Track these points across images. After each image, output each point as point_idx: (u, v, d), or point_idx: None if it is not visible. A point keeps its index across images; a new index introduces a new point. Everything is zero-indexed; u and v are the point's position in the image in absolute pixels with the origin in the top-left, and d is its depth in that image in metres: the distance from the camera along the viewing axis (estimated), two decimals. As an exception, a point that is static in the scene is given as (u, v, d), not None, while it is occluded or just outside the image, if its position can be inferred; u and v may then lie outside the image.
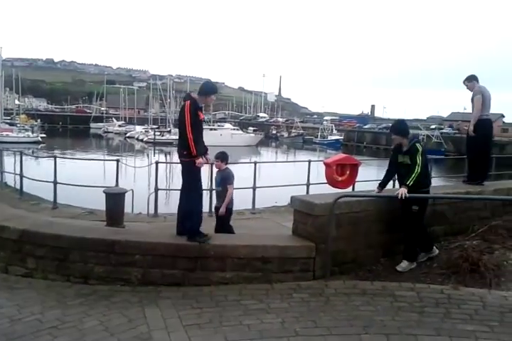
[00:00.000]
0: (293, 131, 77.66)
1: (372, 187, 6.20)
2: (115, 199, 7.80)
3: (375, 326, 4.00)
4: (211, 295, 4.86)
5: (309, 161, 10.99)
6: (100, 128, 79.43)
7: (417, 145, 5.54)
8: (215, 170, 7.09)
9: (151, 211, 9.40)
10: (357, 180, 7.21)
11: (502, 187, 7.46)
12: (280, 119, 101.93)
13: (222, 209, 6.15)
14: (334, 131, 69.76)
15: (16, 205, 9.37)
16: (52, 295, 5.02)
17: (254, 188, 9.95)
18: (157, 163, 9.66)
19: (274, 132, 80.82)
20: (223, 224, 6.36)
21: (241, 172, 11.13)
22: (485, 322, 4.04)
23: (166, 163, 27.23)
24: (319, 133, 69.13)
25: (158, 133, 58.37)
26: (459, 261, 5.29)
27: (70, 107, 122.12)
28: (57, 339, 3.93)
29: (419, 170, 5.36)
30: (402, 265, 5.55)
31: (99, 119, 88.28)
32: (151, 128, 63.10)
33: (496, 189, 7.19)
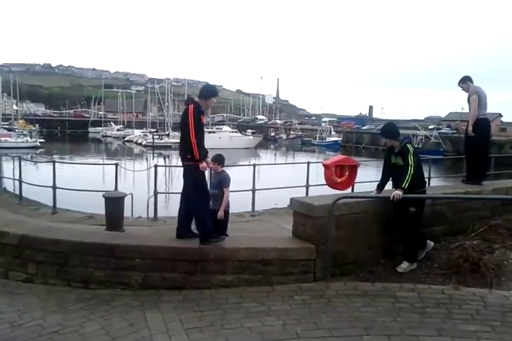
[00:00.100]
0: (291, 132, 77.68)
1: (372, 188, 6.21)
2: (114, 203, 7.79)
3: (377, 327, 3.99)
4: (212, 298, 4.85)
5: (308, 163, 10.99)
6: (99, 133, 79.47)
7: (408, 145, 5.54)
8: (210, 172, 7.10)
9: (151, 215, 9.39)
10: (356, 181, 7.22)
11: (501, 186, 7.46)
12: (278, 121, 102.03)
13: (221, 213, 6.14)
14: (333, 133, 69.87)
15: (15, 210, 9.35)
16: (52, 300, 5.01)
17: (253, 190, 9.95)
18: (156, 166, 9.65)
19: (272, 134, 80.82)
20: (222, 227, 6.35)
21: (240, 175, 11.15)
22: (486, 322, 4.03)
23: (165, 166, 27.23)
24: (318, 135, 69.21)
25: (157, 137, 58.35)
26: (459, 261, 5.29)
27: (68, 112, 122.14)
28: (58, 344, 3.92)
29: (412, 171, 5.36)
30: (402, 266, 5.55)
31: (97, 124, 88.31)
32: (150, 132, 63.04)
33: (495, 188, 7.20)
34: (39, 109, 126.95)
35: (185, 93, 76.63)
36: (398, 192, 5.29)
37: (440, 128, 68.47)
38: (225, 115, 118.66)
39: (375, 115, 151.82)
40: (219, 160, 6.33)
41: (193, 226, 5.94)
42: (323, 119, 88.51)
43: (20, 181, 11.10)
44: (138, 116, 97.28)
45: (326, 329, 3.98)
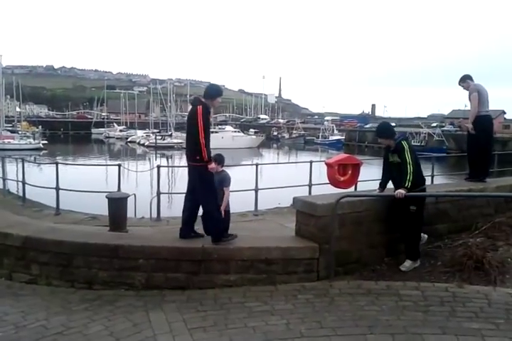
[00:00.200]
0: (294, 132, 77.65)
1: (375, 186, 6.19)
2: (117, 204, 7.80)
3: (381, 326, 3.98)
4: (215, 297, 4.85)
5: (311, 162, 10.97)
6: (101, 134, 79.59)
7: (403, 142, 5.50)
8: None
9: (154, 215, 9.39)
10: (359, 179, 7.21)
11: (504, 183, 7.44)
12: (281, 121, 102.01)
13: (222, 212, 6.14)
14: (335, 131, 69.76)
15: (18, 212, 9.37)
16: (56, 301, 5.02)
17: (256, 190, 9.93)
18: (159, 166, 9.65)
19: (275, 133, 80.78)
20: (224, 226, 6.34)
21: (243, 175, 11.15)
22: (490, 319, 4.02)
23: (168, 166, 27.29)
24: (320, 134, 69.10)
25: (160, 137, 58.46)
26: (463, 258, 5.27)
27: (71, 113, 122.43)
28: (62, 345, 3.93)
29: (411, 169, 5.33)
30: (405, 264, 5.53)
31: (100, 125, 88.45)
32: (152, 133, 63.18)
33: (499, 186, 7.18)
34: (42, 111, 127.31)
35: (187, 93, 76.96)
36: (401, 191, 5.26)
37: (443, 126, 68.25)
38: (227, 115, 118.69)
39: (377, 113, 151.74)
40: (219, 159, 6.34)
41: (197, 227, 5.94)
42: (326, 118, 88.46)
43: (24, 183, 11.12)
44: (140, 117, 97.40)
45: (330, 328, 3.98)
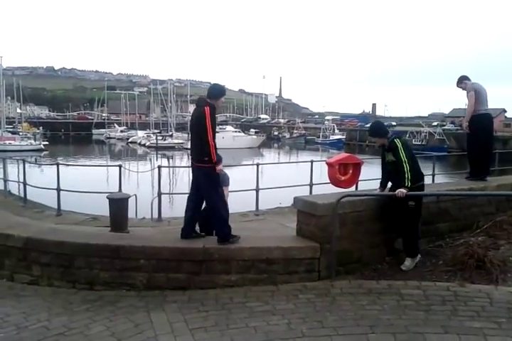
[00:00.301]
0: (295, 131, 77.64)
1: (376, 185, 6.18)
2: (119, 204, 7.81)
3: (382, 325, 3.98)
4: (217, 298, 4.85)
5: (312, 161, 10.97)
6: (102, 134, 79.61)
7: (396, 140, 5.48)
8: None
9: (155, 215, 9.40)
10: (360, 179, 7.20)
11: (505, 182, 7.43)
12: (282, 120, 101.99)
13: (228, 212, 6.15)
14: (336, 131, 69.76)
15: (19, 213, 9.38)
16: (58, 301, 5.03)
17: (257, 190, 9.94)
18: (160, 167, 9.66)
19: (275, 133, 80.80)
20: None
21: (244, 174, 11.15)
22: (492, 318, 4.00)
23: (169, 167, 27.29)
24: (321, 133, 69.13)
25: (160, 138, 58.51)
26: (464, 257, 5.26)
27: (71, 114, 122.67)
28: (64, 345, 3.93)
29: (408, 167, 5.31)
30: (406, 263, 5.52)
31: (101, 125, 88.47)
32: (153, 133, 63.23)
33: (500, 184, 7.16)
34: (43, 112, 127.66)
35: (187, 93, 77.00)
36: (403, 190, 5.24)
37: (444, 125, 68.27)
38: (228, 115, 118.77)
39: (378, 113, 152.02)
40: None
41: (198, 227, 5.95)
42: (327, 117, 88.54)
43: (25, 184, 11.14)
44: (141, 118, 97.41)
45: (331, 327, 3.97)
